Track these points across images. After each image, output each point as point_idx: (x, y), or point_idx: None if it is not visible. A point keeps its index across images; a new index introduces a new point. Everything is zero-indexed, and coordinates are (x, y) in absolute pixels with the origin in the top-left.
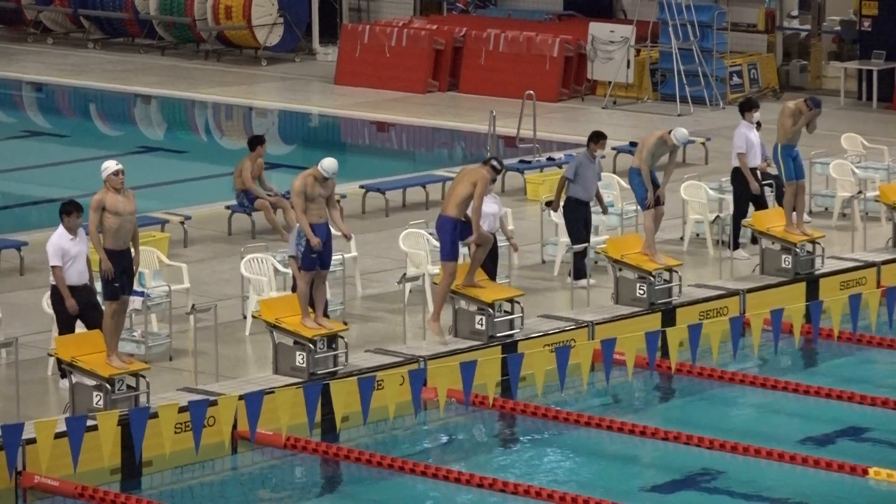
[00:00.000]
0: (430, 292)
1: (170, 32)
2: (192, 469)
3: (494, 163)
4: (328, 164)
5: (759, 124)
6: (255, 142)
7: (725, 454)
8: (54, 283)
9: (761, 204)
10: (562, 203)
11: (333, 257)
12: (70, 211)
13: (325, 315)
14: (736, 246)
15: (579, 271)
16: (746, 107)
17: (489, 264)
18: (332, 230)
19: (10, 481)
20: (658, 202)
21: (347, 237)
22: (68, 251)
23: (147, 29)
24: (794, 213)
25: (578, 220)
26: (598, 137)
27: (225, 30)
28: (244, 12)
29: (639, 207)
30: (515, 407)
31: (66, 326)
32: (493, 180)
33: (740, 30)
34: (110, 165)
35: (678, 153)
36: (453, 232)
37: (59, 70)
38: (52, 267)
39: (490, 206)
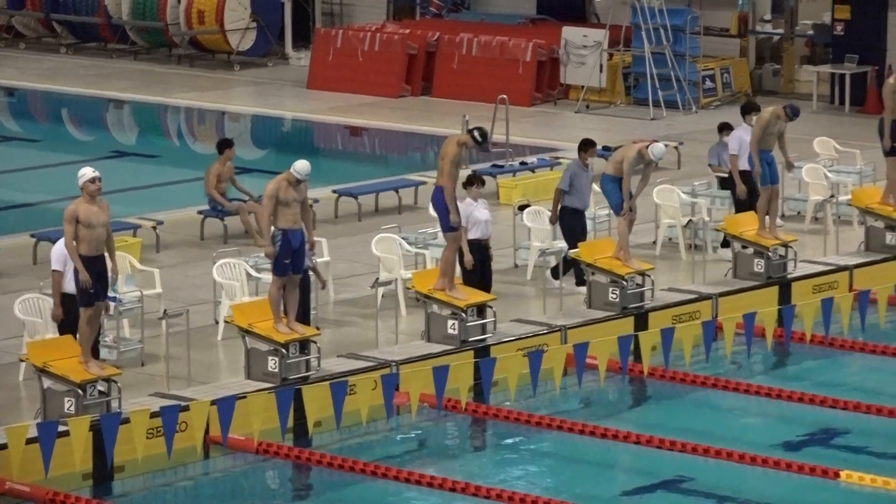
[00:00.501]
0: (402, 297)
1: (142, 37)
2: (164, 474)
3: (476, 133)
4: (301, 166)
5: (729, 127)
6: (224, 145)
7: (698, 458)
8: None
9: (745, 208)
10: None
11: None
12: None
13: (308, 321)
14: (726, 244)
15: (566, 275)
16: (747, 109)
17: (479, 272)
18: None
19: None
20: (630, 209)
21: (311, 246)
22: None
23: (119, 34)
24: (768, 217)
25: (576, 228)
26: (587, 146)
27: (198, 34)
28: (217, 17)
29: (611, 212)
30: (488, 411)
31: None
32: (478, 146)
33: (713, 34)
34: (87, 172)
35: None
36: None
37: (32, 75)
38: (53, 271)
39: (481, 212)
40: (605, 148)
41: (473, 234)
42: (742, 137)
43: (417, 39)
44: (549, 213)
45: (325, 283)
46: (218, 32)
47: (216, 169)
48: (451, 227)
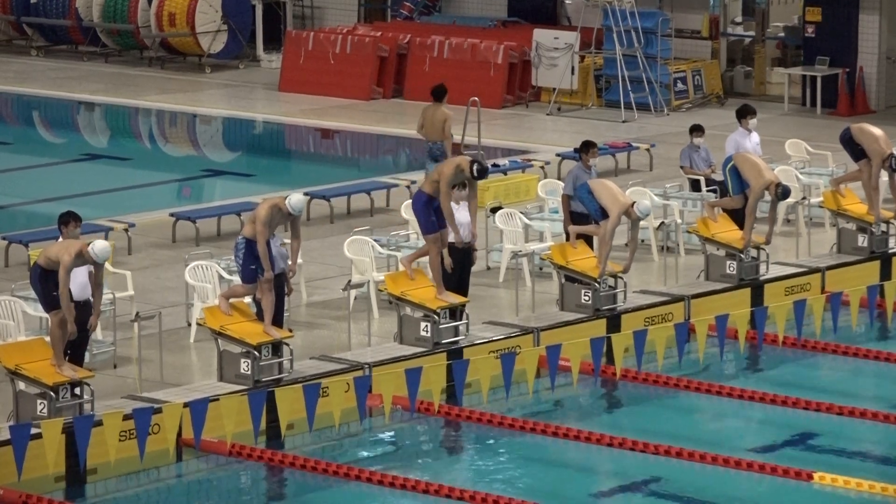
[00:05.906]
0: (374, 299)
1: (113, 39)
2: (136, 477)
3: (475, 168)
4: (296, 202)
5: (700, 129)
6: (441, 92)
7: (671, 460)
8: None
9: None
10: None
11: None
12: (67, 221)
13: (280, 323)
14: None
15: None
16: (742, 113)
17: (459, 274)
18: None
19: None
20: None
21: (291, 272)
22: None
23: (90, 36)
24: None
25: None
26: (587, 147)
27: (169, 37)
28: (188, 19)
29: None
30: (461, 413)
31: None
32: (473, 179)
33: (684, 36)
34: (102, 255)
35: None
36: (425, 206)
37: (2, 77)
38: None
39: (462, 214)
40: (577, 150)
41: (454, 237)
42: (738, 142)
43: (389, 42)
44: (557, 217)
45: (292, 290)
46: (189, 35)
47: (441, 116)
48: (428, 229)
